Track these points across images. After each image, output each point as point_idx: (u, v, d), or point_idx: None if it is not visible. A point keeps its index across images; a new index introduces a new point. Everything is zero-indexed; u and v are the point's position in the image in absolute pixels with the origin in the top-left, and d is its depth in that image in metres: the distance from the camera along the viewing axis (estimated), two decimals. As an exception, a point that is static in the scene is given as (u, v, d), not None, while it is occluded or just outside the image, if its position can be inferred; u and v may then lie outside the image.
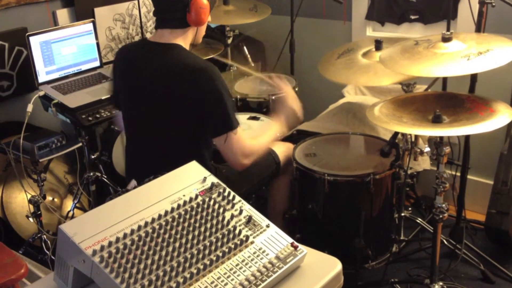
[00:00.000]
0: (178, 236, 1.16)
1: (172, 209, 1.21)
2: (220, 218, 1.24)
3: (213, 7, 2.02)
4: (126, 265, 1.07)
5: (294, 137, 2.66)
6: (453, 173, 2.59)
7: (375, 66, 2.35)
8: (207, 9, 1.94)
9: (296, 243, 1.22)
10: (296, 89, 2.96)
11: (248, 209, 1.28)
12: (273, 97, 2.84)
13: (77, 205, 2.87)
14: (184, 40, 2.00)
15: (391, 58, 2.05)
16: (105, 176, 2.87)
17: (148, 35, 3.23)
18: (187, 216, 1.21)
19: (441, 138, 2.02)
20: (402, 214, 2.60)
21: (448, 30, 2.09)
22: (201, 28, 2.04)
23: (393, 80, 2.30)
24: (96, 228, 1.12)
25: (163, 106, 1.97)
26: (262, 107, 2.83)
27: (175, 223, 1.19)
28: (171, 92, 1.94)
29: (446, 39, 1.98)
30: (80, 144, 2.63)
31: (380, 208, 2.29)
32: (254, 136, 2.08)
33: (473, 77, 2.34)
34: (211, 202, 1.26)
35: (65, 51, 2.76)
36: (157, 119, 2.00)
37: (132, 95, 2.06)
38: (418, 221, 2.73)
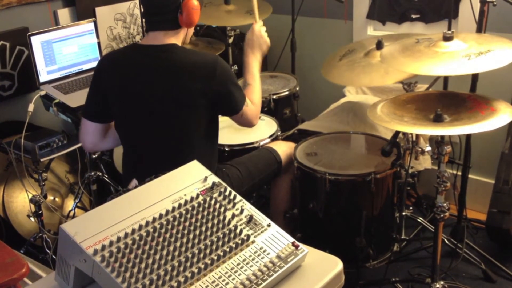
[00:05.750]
0: (179, 235, 1.16)
1: (173, 209, 1.21)
2: (221, 217, 1.24)
3: (202, 8, 2.03)
4: (127, 265, 1.07)
5: (295, 136, 2.66)
6: (454, 172, 2.59)
7: (377, 66, 2.35)
8: (198, 10, 1.96)
9: (297, 243, 1.22)
10: (297, 88, 2.96)
11: (249, 209, 1.28)
12: (274, 96, 2.84)
13: (78, 204, 2.87)
14: (177, 40, 2.00)
15: (391, 55, 2.05)
16: (106, 176, 2.87)
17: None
18: (188, 216, 1.21)
19: (442, 137, 2.02)
20: (403, 213, 2.60)
21: (449, 29, 2.09)
22: (190, 28, 2.07)
23: (395, 79, 2.30)
24: (97, 228, 1.12)
25: (178, 105, 1.96)
26: (263, 106, 2.83)
27: (176, 223, 1.19)
28: (186, 90, 1.94)
29: (447, 38, 1.98)
30: (81, 143, 2.63)
31: (381, 207, 2.29)
32: (251, 89, 2.17)
33: (474, 76, 2.34)
34: (212, 202, 1.26)
35: (66, 51, 2.76)
36: (170, 119, 1.98)
37: (136, 100, 2.00)
38: (419, 220, 2.73)
